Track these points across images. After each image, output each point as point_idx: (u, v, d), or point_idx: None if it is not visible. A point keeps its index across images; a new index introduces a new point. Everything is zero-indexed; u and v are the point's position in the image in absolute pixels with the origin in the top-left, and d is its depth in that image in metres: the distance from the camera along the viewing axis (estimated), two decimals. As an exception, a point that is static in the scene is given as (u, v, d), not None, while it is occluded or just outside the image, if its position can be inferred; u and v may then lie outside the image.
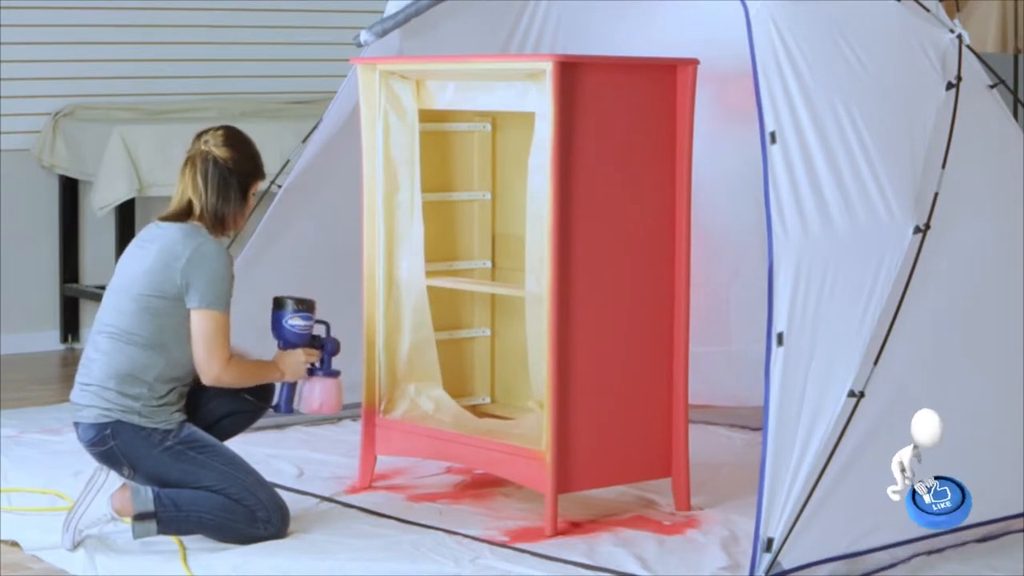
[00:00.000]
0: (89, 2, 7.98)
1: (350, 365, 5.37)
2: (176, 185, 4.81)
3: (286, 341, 4.91)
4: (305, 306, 4.91)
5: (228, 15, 8.34)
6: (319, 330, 4.98)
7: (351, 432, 5.92)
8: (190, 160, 4.78)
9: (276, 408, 4.99)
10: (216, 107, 8.11)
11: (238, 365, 4.75)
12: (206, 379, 4.71)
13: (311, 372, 4.95)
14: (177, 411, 4.72)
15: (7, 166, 7.83)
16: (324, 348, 4.96)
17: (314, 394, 4.95)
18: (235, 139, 4.82)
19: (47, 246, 7.97)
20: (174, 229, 4.73)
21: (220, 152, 4.76)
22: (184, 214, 4.77)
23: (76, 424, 4.74)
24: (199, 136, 4.82)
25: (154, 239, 4.74)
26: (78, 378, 4.77)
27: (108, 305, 4.76)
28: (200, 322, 4.66)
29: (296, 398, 4.98)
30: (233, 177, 4.77)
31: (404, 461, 5.52)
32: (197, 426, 4.76)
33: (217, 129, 4.82)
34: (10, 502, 5.14)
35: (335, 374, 4.98)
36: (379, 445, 5.32)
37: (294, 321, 4.90)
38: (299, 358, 4.90)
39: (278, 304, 4.92)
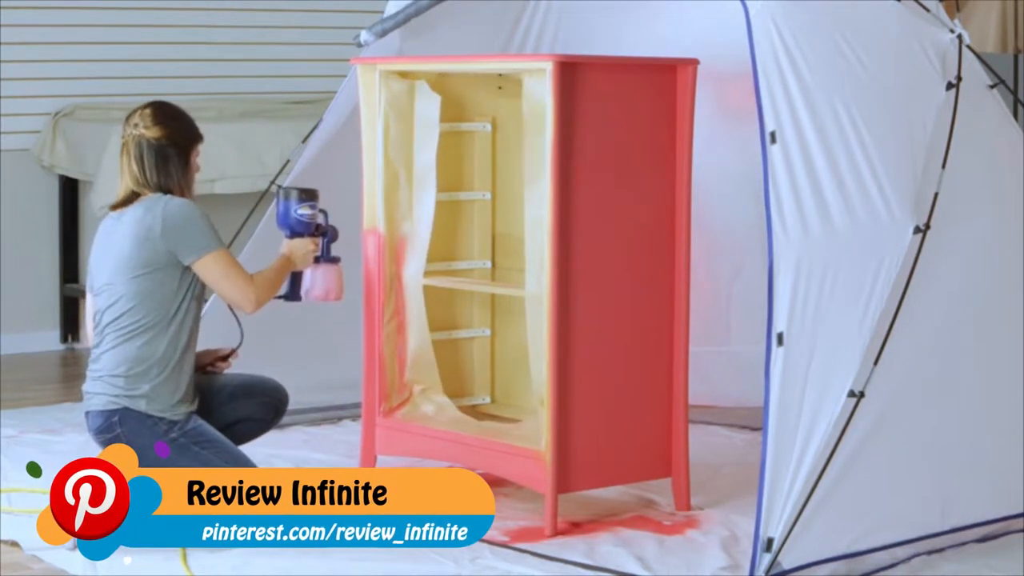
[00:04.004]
0: (89, 2, 7.98)
1: (350, 364, 5.37)
2: (120, 173, 4.85)
3: (292, 230, 5.02)
4: (310, 195, 5.04)
5: (228, 15, 8.34)
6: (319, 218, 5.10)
7: (351, 432, 5.92)
8: (124, 146, 4.83)
9: (285, 297, 5.07)
10: (216, 107, 8.11)
11: (263, 279, 4.86)
12: (249, 308, 4.81)
13: (315, 260, 5.06)
14: (186, 404, 4.75)
15: (7, 166, 7.83)
16: (325, 235, 5.06)
17: (320, 282, 5.07)
18: (163, 114, 4.85)
19: (47, 246, 7.97)
20: (131, 209, 4.77)
21: (151, 132, 4.80)
22: (133, 199, 4.81)
23: (86, 414, 4.80)
24: (128, 119, 4.85)
25: (116, 228, 4.78)
26: (88, 372, 4.83)
27: (101, 304, 4.79)
28: (209, 267, 4.73)
29: (303, 286, 5.08)
30: (171, 150, 4.82)
31: (404, 461, 5.51)
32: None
33: (145, 108, 4.86)
34: (10, 502, 5.13)
35: (336, 260, 5.09)
36: (379, 445, 5.32)
37: (303, 210, 5.02)
38: (308, 246, 5.02)
39: (285, 194, 5.03)
